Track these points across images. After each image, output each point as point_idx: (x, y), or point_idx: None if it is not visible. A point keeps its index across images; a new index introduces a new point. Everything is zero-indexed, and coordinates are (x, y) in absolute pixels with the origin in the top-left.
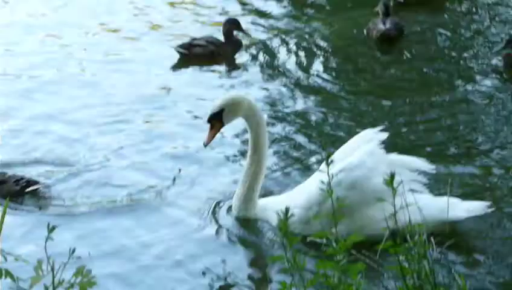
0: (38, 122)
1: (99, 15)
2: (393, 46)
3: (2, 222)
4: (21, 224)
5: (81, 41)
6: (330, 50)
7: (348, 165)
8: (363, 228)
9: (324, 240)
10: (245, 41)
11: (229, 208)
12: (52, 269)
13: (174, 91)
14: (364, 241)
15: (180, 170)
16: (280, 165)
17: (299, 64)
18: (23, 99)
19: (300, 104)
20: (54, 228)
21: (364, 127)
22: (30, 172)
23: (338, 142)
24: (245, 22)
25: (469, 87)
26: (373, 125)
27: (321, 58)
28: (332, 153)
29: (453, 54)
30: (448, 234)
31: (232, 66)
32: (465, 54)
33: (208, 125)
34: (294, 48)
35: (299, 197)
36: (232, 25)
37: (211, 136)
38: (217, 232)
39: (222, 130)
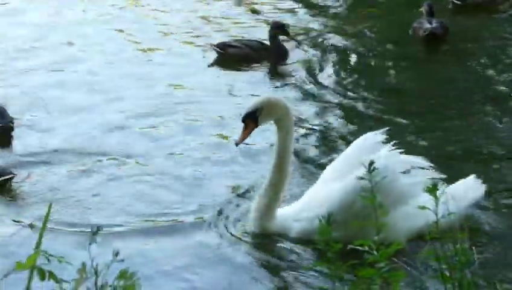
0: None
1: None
2: (439, 45)
3: (46, 221)
4: None
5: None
6: (377, 50)
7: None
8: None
9: (366, 248)
10: (291, 46)
11: (237, 222)
12: (96, 272)
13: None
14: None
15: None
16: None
17: (344, 67)
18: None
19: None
20: (98, 229)
21: (411, 125)
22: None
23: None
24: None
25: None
26: (425, 123)
27: (367, 59)
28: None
29: (502, 57)
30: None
31: (270, 73)
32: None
33: (242, 125)
34: (337, 50)
35: (319, 203)
36: (276, 29)
37: (244, 136)
38: (237, 252)
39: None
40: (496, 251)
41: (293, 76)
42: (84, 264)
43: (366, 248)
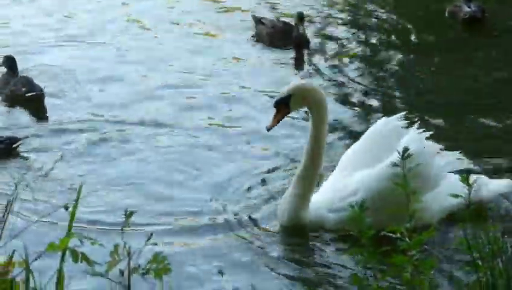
0: None
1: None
2: (481, 27)
3: (76, 206)
4: None
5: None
6: (414, 33)
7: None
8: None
9: (398, 235)
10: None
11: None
12: (129, 254)
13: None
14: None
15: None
16: None
17: (375, 52)
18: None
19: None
20: (131, 213)
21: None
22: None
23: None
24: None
25: None
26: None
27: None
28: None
29: None
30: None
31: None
32: None
33: (274, 110)
34: (365, 37)
35: (352, 191)
36: (297, 19)
37: (276, 121)
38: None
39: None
40: None
41: (314, 65)
42: (116, 247)
43: (398, 235)
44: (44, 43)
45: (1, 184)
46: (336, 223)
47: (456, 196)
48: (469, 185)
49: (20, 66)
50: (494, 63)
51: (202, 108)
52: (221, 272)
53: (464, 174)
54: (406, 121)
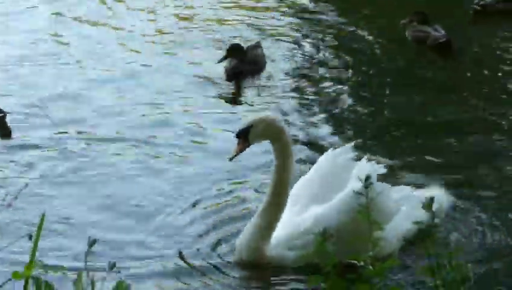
0: None
1: None
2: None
3: (39, 234)
4: None
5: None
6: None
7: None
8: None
9: (361, 263)
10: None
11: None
12: (92, 283)
13: None
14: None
15: None
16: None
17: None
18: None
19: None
20: (94, 241)
21: None
22: None
23: None
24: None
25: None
26: None
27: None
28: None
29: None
30: None
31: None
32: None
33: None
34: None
35: (310, 227)
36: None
37: (236, 152)
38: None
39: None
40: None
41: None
42: (80, 274)
43: (362, 263)
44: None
45: None
46: (296, 260)
47: (418, 223)
48: (433, 214)
49: None
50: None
51: (171, 125)
52: None
53: (428, 200)
54: (355, 153)
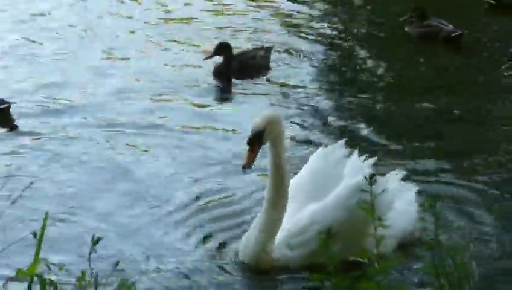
0: None
1: None
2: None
3: (42, 234)
4: None
5: None
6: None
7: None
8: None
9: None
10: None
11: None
12: (95, 281)
13: None
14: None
15: None
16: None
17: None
18: None
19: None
20: (98, 240)
21: None
22: None
23: None
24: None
25: None
26: None
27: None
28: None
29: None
30: None
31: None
32: None
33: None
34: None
35: (308, 225)
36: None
37: (252, 158)
38: None
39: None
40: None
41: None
42: (84, 272)
43: (366, 261)
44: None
45: None
46: (298, 260)
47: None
48: (437, 214)
49: None
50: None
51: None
52: None
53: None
54: (347, 149)
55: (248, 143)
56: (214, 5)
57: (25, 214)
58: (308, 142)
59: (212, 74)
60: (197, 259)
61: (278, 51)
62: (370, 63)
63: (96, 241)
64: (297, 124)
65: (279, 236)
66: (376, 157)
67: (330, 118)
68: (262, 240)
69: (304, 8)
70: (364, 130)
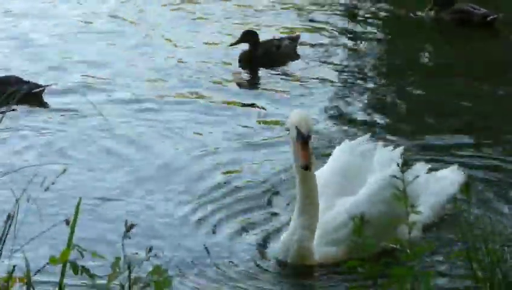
0: None
1: None
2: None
3: (75, 219)
4: None
5: None
6: None
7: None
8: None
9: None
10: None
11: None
12: (129, 267)
13: None
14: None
15: None
16: None
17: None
18: None
19: None
20: (132, 225)
21: None
22: None
23: None
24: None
25: None
26: None
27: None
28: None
29: None
30: None
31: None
32: None
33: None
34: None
35: (343, 221)
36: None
37: (309, 155)
38: None
39: None
40: None
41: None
42: (117, 259)
43: (398, 246)
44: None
45: (1, 197)
46: (341, 255)
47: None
48: (469, 198)
49: None
50: None
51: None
52: None
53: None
54: (373, 142)
55: (304, 143)
56: None
57: (58, 199)
58: (331, 136)
59: (238, 60)
60: (236, 256)
61: (304, 44)
62: (398, 53)
63: (130, 228)
64: (320, 117)
65: (317, 233)
66: (403, 147)
67: (354, 111)
68: (303, 238)
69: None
70: (390, 123)
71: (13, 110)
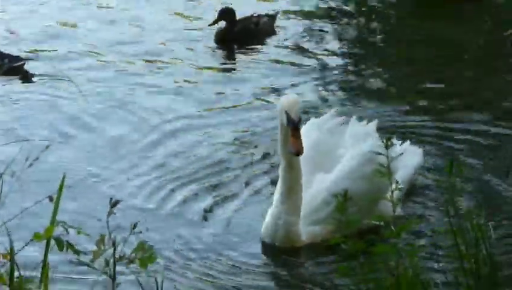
0: None
1: None
2: None
3: (59, 196)
4: None
5: None
6: None
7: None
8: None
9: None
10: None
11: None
12: (114, 244)
13: None
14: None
15: None
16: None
17: None
18: None
19: None
20: (117, 202)
21: None
22: None
23: None
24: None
25: None
26: None
27: None
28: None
29: None
30: None
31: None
32: None
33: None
34: None
35: (319, 199)
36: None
37: (301, 140)
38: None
39: None
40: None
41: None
42: (102, 236)
43: (382, 223)
44: None
45: None
46: (327, 234)
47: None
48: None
49: None
50: None
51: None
52: None
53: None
54: (342, 118)
55: (295, 129)
56: None
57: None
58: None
59: (214, 39)
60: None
61: (287, 18)
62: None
63: (114, 204)
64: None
65: (301, 214)
66: (377, 121)
67: (328, 89)
68: (290, 223)
69: None
70: (358, 100)
71: None
